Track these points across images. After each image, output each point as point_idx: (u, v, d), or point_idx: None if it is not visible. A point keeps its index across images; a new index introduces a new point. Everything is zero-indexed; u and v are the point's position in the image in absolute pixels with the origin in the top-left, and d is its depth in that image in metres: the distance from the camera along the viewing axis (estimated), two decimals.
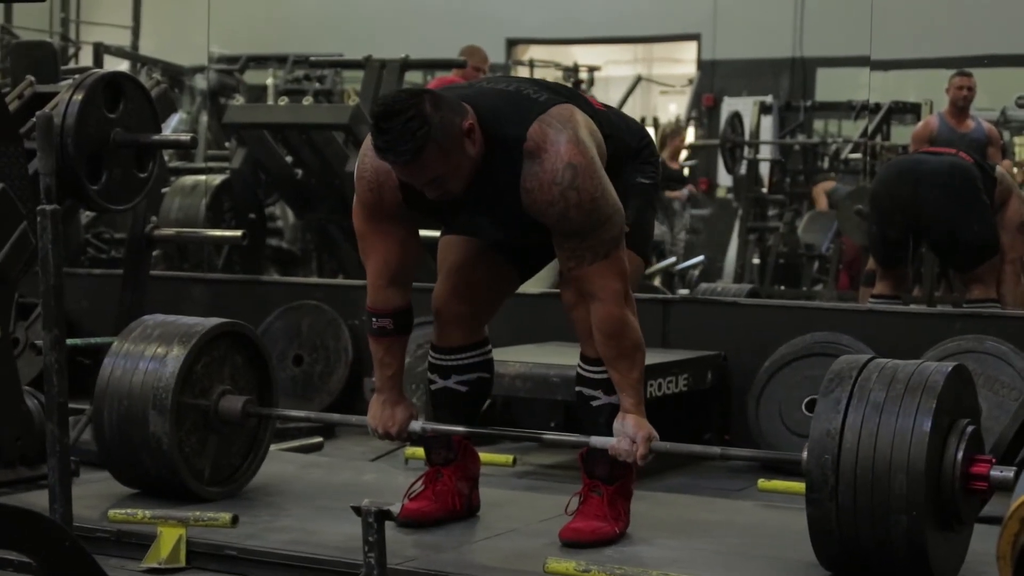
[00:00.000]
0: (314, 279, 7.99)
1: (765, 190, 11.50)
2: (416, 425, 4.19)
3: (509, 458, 5.02)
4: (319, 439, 6.23)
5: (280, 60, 10.98)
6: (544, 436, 4.38)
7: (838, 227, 9.88)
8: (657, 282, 9.15)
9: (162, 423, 4.41)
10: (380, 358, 4.15)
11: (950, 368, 3.71)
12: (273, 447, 4.97)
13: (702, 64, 14.95)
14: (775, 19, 14.05)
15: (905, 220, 7.10)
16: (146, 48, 13.09)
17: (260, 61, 11.09)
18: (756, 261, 10.74)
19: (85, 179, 5.13)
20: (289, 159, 7.92)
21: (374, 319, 4.09)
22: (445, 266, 4.23)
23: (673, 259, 10.14)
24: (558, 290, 4.14)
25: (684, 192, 12.32)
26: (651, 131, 13.51)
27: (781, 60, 13.97)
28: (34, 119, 4.88)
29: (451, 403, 4.28)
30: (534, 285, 4.61)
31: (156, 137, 5.40)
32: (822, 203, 10.91)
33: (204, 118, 10.37)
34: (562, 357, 5.65)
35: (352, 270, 7.91)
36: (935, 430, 3.57)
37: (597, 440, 4.01)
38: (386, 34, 13.73)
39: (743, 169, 11.45)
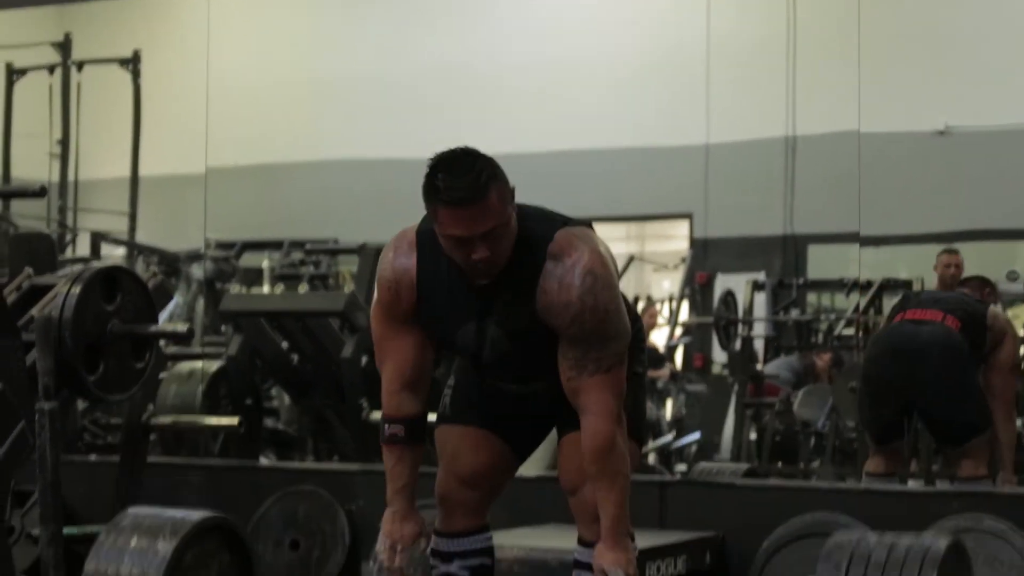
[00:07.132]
0: (310, 464, 7.98)
1: (760, 366, 11.53)
2: (424, 544, 4.13)
3: None
4: None
5: (276, 245, 11.08)
6: None
7: (833, 403, 9.88)
8: (653, 459, 9.12)
9: None
10: (391, 468, 4.07)
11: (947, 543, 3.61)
12: None
13: (694, 242, 15.05)
14: (765, 197, 14.17)
15: (897, 398, 7.05)
16: (143, 235, 13.19)
17: (256, 247, 11.18)
18: (753, 437, 10.72)
19: (83, 371, 5.16)
20: (285, 345, 7.97)
21: (386, 426, 4.04)
22: (446, 454, 4.23)
23: (669, 437, 10.11)
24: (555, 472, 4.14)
25: (666, 371, 12.31)
26: (641, 304, 13.58)
27: (772, 238, 14.07)
28: (32, 313, 4.95)
29: None
30: (530, 467, 4.60)
31: (153, 328, 5.45)
32: None
33: (200, 303, 10.42)
34: (560, 540, 5.62)
35: (349, 454, 7.90)
36: None
37: None
38: (379, 217, 13.83)
39: (738, 346, 11.51)
